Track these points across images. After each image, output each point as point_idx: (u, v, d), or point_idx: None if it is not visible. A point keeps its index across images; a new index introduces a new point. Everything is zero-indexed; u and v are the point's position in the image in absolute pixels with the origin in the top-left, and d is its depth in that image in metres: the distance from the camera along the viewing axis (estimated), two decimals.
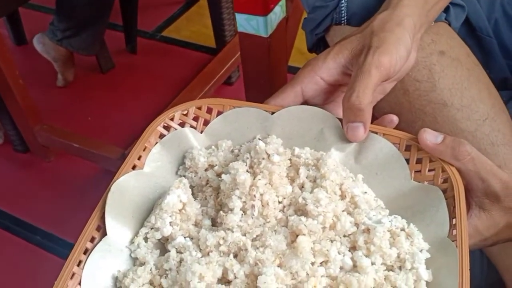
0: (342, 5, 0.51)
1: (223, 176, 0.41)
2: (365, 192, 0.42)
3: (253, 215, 0.39)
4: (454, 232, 0.37)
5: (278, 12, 0.79)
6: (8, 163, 1.40)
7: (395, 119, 0.44)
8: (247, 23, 0.78)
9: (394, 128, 0.45)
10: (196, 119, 0.47)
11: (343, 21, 0.53)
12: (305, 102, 0.46)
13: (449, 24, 0.54)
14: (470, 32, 0.61)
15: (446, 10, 0.54)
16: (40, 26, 1.51)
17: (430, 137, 0.41)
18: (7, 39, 1.73)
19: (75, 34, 1.42)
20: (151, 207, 0.42)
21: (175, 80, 1.57)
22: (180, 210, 0.40)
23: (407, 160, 0.42)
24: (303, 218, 0.38)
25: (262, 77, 0.84)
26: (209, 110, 0.47)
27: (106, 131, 1.43)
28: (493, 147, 0.49)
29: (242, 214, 0.39)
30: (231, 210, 0.39)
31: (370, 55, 0.41)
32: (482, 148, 0.49)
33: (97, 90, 1.59)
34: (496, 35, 0.62)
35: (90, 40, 1.47)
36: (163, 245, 0.40)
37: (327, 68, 0.44)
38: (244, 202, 0.40)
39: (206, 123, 0.47)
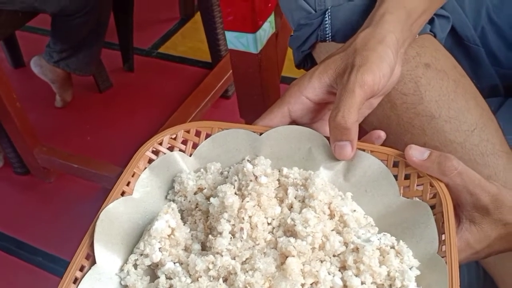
0: (326, 22, 0.52)
1: (211, 199, 0.41)
2: (354, 210, 0.41)
3: (242, 238, 0.39)
4: (444, 248, 0.37)
5: (267, 28, 0.80)
6: (9, 185, 1.40)
7: (382, 135, 0.45)
8: (237, 41, 0.79)
9: (383, 141, 0.45)
10: (185, 142, 0.47)
11: (327, 38, 0.53)
12: (293, 122, 0.46)
13: (435, 36, 0.55)
14: (457, 42, 0.61)
15: (431, 21, 0.54)
16: (37, 48, 1.52)
17: (416, 153, 0.41)
18: (4, 62, 1.75)
19: (72, 55, 1.44)
20: (140, 233, 0.42)
21: (173, 96, 1.58)
22: (169, 236, 0.40)
23: (396, 176, 0.42)
24: (292, 239, 0.38)
25: (254, 93, 0.85)
26: (198, 133, 0.47)
27: (105, 150, 1.44)
28: (482, 157, 0.49)
29: (231, 238, 0.39)
30: (220, 233, 0.39)
31: (354, 74, 0.41)
32: (472, 158, 0.49)
33: (95, 109, 1.60)
34: (483, 43, 0.62)
35: (87, 61, 1.48)
36: (153, 271, 0.40)
37: (313, 87, 0.44)
38: (233, 225, 0.40)
39: (195, 146, 0.47)
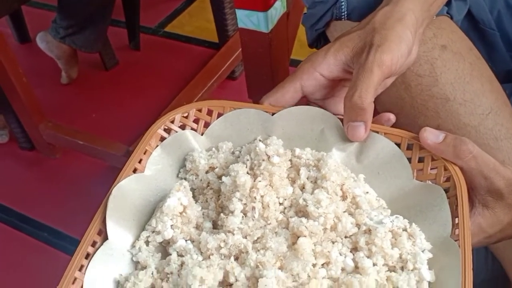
0: (342, 0, 0.51)
1: (223, 178, 0.41)
2: (367, 192, 0.41)
3: (254, 217, 0.39)
4: (457, 231, 0.36)
5: (278, 7, 0.79)
6: (14, 161, 1.41)
7: (392, 117, 0.44)
8: (247, 19, 0.78)
9: (395, 123, 0.44)
10: (196, 121, 0.47)
11: (343, 16, 0.52)
12: (305, 98, 0.45)
13: (451, 18, 0.54)
14: (472, 25, 0.60)
15: (448, 3, 0.53)
16: (43, 24, 1.51)
17: (431, 136, 0.40)
18: (10, 37, 1.73)
19: (78, 31, 1.42)
20: (152, 210, 0.42)
21: (179, 75, 1.57)
22: (180, 213, 0.40)
23: (409, 159, 0.42)
24: (303, 220, 0.37)
25: (264, 73, 0.84)
26: (210, 112, 0.47)
27: (110, 127, 1.44)
28: (496, 141, 0.49)
29: (242, 216, 0.39)
30: (232, 212, 0.39)
31: (372, 53, 0.40)
32: (485, 142, 0.49)
33: (101, 87, 1.60)
34: (499, 27, 0.61)
35: (93, 37, 1.47)
36: (164, 249, 0.40)
37: (327, 64, 0.43)
38: (245, 204, 0.40)
39: (206, 125, 0.47)
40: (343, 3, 0.51)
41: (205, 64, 1.45)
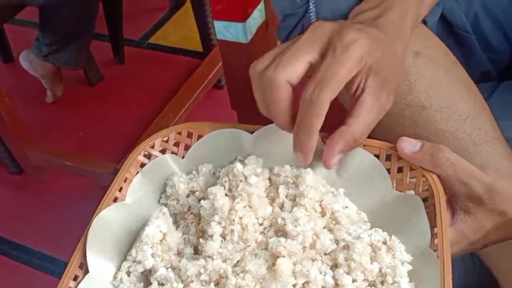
0: (311, 10, 0.51)
1: (202, 202, 0.41)
2: (346, 207, 0.41)
3: (233, 240, 0.39)
4: (436, 241, 0.36)
5: (257, 17, 0.78)
6: (3, 186, 1.39)
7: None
8: (226, 30, 0.77)
9: (375, 135, 0.44)
10: (177, 144, 0.47)
11: None
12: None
13: (425, 23, 0.53)
14: (447, 29, 0.61)
15: None
16: (27, 42, 1.49)
17: (408, 145, 0.40)
18: None
19: (61, 48, 1.41)
20: (134, 239, 0.41)
21: (165, 87, 1.57)
22: (160, 241, 0.40)
23: (388, 170, 0.42)
24: (282, 240, 0.37)
25: (246, 83, 0.83)
26: (190, 135, 0.47)
27: (98, 144, 1.43)
28: (475, 146, 0.49)
29: (222, 240, 0.39)
30: (211, 236, 0.39)
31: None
32: (464, 148, 0.48)
33: (87, 103, 1.58)
34: (476, 29, 0.61)
35: (77, 54, 1.46)
36: (146, 278, 0.40)
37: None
38: (224, 227, 0.40)
39: (187, 147, 0.47)
40: (312, 14, 0.50)
41: (191, 74, 1.45)
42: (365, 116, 0.39)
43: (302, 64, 0.38)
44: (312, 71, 0.39)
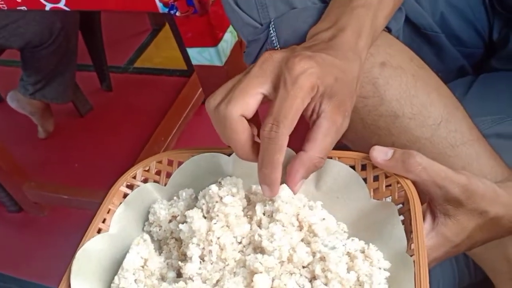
0: (272, 35, 0.51)
1: (180, 226, 0.42)
2: (324, 219, 0.41)
3: (212, 260, 0.40)
4: (413, 246, 0.37)
5: (229, 39, 0.79)
6: (4, 225, 1.40)
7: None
8: (200, 56, 0.78)
9: (355, 146, 0.44)
10: (158, 173, 0.48)
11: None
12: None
13: (390, 30, 0.54)
14: (415, 31, 0.61)
15: None
16: (15, 81, 1.51)
17: (380, 154, 0.41)
18: None
19: (46, 85, 1.43)
20: (119, 269, 0.42)
21: (155, 109, 1.58)
22: (142, 267, 0.41)
23: (365, 180, 0.42)
24: (259, 256, 0.38)
25: None
26: (170, 162, 0.48)
27: (94, 174, 1.44)
28: (453, 149, 0.49)
29: (201, 261, 0.40)
30: (190, 258, 0.40)
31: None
32: (443, 152, 0.48)
33: (79, 134, 1.60)
34: (444, 27, 0.61)
35: (62, 88, 1.47)
36: None
37: None
38: (203, 248, 0.40)
39: (169, 175, 0.48)
40: (273, 37, 0.51)
41: (179, 93, 1.46)
42: (322, 140, 0.40)
43: (254, 97, 0.39)
44: (266, 100, 0.40)
